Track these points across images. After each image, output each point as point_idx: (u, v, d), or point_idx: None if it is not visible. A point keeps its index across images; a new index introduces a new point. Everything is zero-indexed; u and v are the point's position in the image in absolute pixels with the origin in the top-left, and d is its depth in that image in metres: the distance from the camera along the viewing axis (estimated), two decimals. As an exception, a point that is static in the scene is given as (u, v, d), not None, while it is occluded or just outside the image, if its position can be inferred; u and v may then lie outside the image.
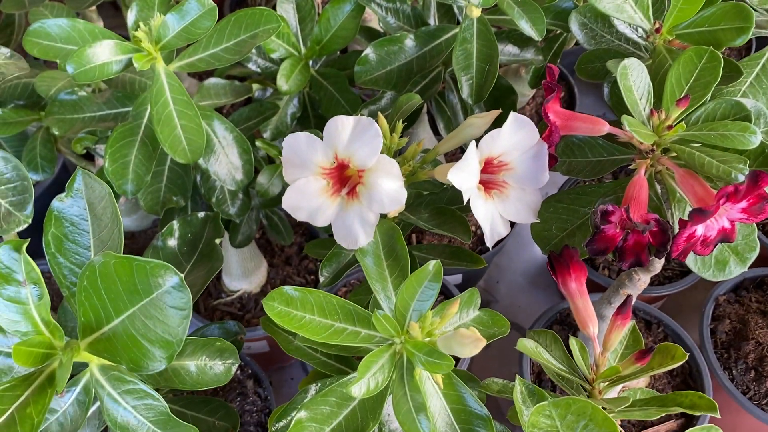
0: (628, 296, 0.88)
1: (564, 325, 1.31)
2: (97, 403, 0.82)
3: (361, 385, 0.71)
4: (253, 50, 1.14)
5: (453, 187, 1.04)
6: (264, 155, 1.21)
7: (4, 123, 1.17)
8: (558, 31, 1.28)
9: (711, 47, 0.85)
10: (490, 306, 1.54)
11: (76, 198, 0.76)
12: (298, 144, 0.82)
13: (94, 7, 1.39)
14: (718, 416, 0.77)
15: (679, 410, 0.78)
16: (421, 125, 1.42)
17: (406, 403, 0.73)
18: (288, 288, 0.75)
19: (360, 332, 0.77)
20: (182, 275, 0.61)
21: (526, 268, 1.66)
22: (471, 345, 0.65)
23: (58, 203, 0.76)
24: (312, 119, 1.24)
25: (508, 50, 1.17)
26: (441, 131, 1.23)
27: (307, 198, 0.83)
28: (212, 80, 1.13)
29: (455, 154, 1.61)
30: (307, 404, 0.75)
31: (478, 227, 1.50)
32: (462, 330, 0.66)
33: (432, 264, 0.78)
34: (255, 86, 1.23)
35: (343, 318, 0.76)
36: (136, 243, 1.56)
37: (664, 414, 0.82)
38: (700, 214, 0.73)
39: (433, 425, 0.74)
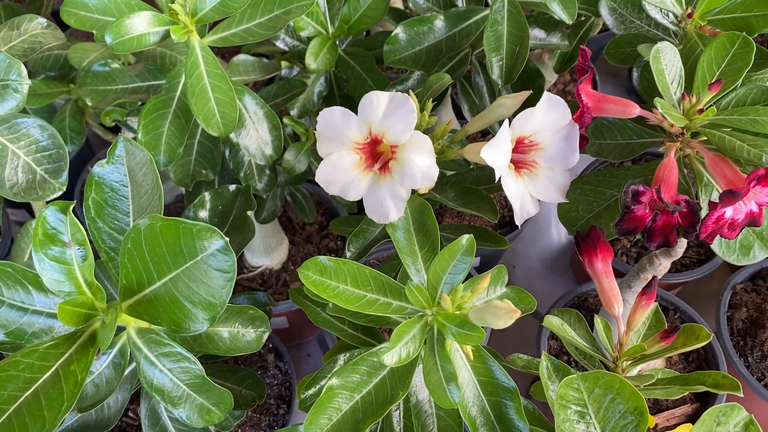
0: (654, 277, 0.89)
1: (582, 309, 1.32)
2: (131, 366, 0.84)
3: (393, 354, 0.72)
4: (282, 28, 1.15)
5: (478, 167, 1.06)
6: (290, 132, 1.22)
7: (34, 94, 1.19)
8: (584, 17, 1.29)
9: (743, 33, 0.86)
10: (505, 290, 1.55)
11: (117, 164, 0.77)
12: (333, 118, 0.83)
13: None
14: (741, 395, 0.78)
15: (703, 389, 0.80)
16: (445, 108, 1.43)
17: (436, 372, 0.74)
18: (323, 258, 0.77)
19: (392, 303, 0.78)
20: (227, 239, 0.62)
21: (543, 254, 1.67)
22: (506, 316, 0.67)
23: (99, 169, 0.77)
24: (338, 98, 1.25)
25: (534, 34, 1.18)
26: (465, 114, 1.23)
27: (341, 172, 0.84)
28: (241, 57, 1.14)
29: (477, 137, 1.62)
30: (338, 372, 0.76)
31: (499, 210, 1.51)
32: (496, 301, 0.67)
33: (465, 238, 0.79)
34: (283, 64, 1.24)
35: (375, 289, 0.78)
36: (159, 217, 1.58)
37: (685, 393, 0.83)
38: (730, 196, 0.74)
39: (461, 395, 0.75)
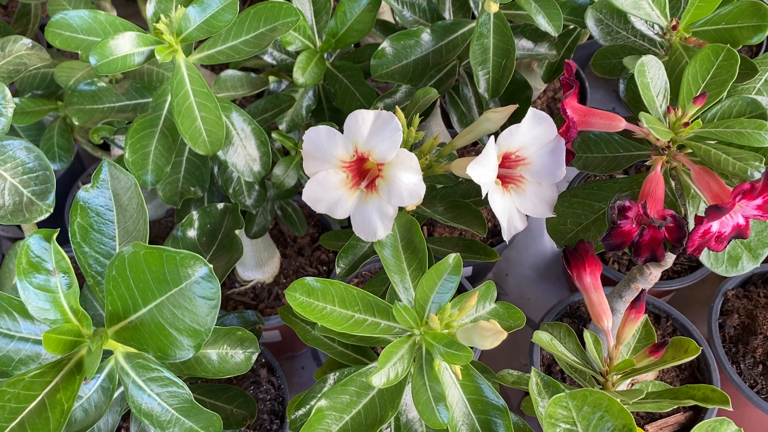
0: (642, 290, 0.89)
1: (574, 318, 1.32)
2: (120, 389, 0.84)
3: (381, 376, 0.72)
4: (269, 42, 1.15)
5: (467, 180, 1.06)
6: (279, 147, 1.22)
7: (22, 112, 1.19)
8: (572, 26, 1.28)
9: (728, 45, 0.86)
10: (499, 298, 1.55)
11: (102, 188, 0.77)
12: (318, 137, 0.83)
13: (109, -3, 1.41)
14: (730, 409, 0.78)
15: (692, 403, 0.80)
16: (434, 118, 1.43)
17: (425, 393, 0.74)
18: (309, 279, 0.76)
19: (380, 323, 0.78)
20: (211, 266, 0.62)
21: (535, 261, 1.67)
22: (492, 337, 0.66)
23: (84, 193, 0.77)
24: (327, 112, 1.25)
25: (522, 45, 1.18)
26: (454, 125, 1.23)
27: (327, 190, 0.84)
28: (229, 72, 1.14)
29: (467, 148, 1.62)
30: (327, 393, 0.76)
31: (489, 220, 1.51)
32: (483, 322, 0.67)
33: (452, 257, 0.79)
34: (271, 78, 1.24)
35: (363, 309, 0.78)
36: (150, 232, 1.57)
37: (675, 406, 0.83)
38: (716, 211, 0.74)
39: (451, 415, 0.75)
